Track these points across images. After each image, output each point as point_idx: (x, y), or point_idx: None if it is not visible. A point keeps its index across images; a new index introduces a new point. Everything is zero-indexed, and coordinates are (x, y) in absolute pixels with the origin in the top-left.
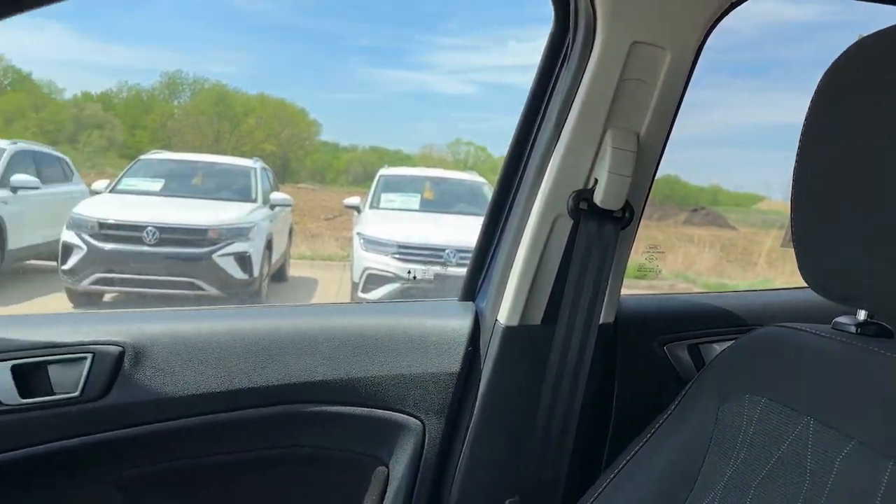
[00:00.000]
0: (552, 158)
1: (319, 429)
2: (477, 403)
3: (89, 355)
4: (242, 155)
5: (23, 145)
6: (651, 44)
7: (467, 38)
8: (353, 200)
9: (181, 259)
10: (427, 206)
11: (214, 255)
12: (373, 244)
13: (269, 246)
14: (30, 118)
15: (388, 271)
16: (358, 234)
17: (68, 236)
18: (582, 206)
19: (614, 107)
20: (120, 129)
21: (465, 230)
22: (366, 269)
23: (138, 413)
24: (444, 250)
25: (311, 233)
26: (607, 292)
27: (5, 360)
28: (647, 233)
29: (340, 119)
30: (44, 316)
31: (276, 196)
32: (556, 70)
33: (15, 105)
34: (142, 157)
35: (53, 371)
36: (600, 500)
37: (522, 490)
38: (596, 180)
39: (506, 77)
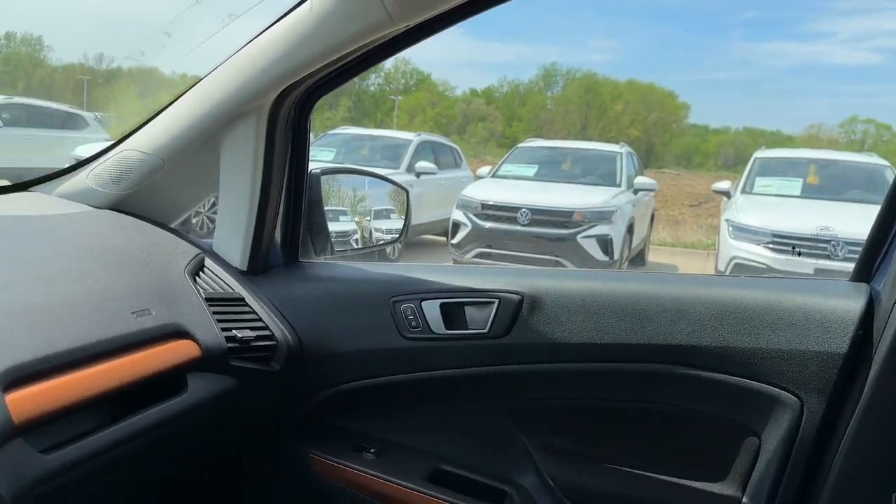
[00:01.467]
0: None
1: (688, 391)
2: (866, 389)
3: (496, 300)
4: (608, 140)
5: (425, 137)
6: None
7: None
8: (723, 185)
9: (548, 239)
10: (810, 192)
11: (578, 237)
12: (743, 232)
13: (630, 230)
14: (427, 113)
15: (758, 262)
16: (726, 220)
17: (457, 215)
18: None
19: None
20: (499, 121)
21: (856, 220)
22: (733, 258)
23: (531, 353)
24: (829, 242)
25: (673, 219)
26: None
27: (436, 298)
28: None
29: (712, 100)
30: (463, 267)
31: (640, 181)
32: None
33: (416, 102)
34: (518, 145)
35: (468, 311)
36: None
37: None
38: None
39: None
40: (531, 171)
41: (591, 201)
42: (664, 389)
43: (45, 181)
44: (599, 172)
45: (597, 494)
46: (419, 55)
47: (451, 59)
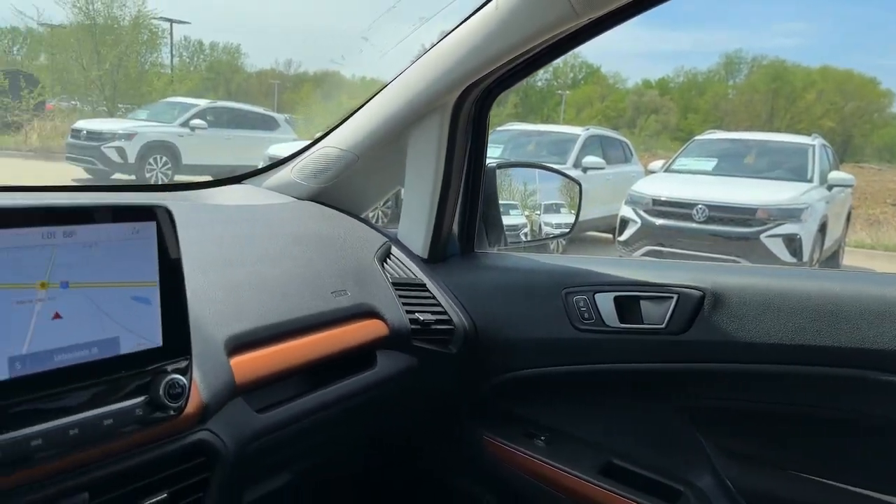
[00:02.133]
0: None
1: (891, 401)
2: None
3: (675, 295)
4: (798, 132)
5: (593, 131)
6: None
7: None
8: None
9: (727, 237)
10: None
11: (762, 236)
12: None
13: (822, 230)
14: (595, 107)
15: None
16: None
17: (625, 211)
18: None
19: None
20: (673, 113)
21: None
22: None
23: (712, 351)
24: None
25: (873, 218)
26: None
27: (610, 291)
28: None
29: None
30: (639, 260)
31: (835, 176)
32: None
33: (585, 96)
34: (696, 137)
35: (644, 305)
36: None
37: None
38: None
39: None
40: (709, 164)
41: (777, 198)
42: (860, 397)
43: (255, 175)
44: (788, 166)
45: (779, 502)
46: (589, 48)
47: (622, 50)
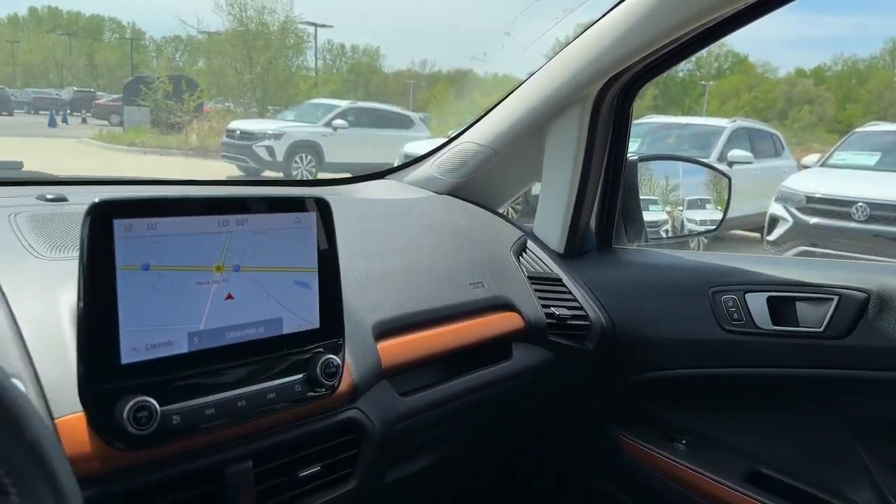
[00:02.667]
0: None
1: None
2: None
3: (835, 297)
4: None
5: (740, 123)
6: None
7: None
8: None
9: (893, 238)
10: None
11: None
12: None
13: None
14: (742, 98)
15: None
16: None
17: (775, 209)
18: None
19: None
20: (830, 104)
21: None
22: None
23: (876, 358)
24: None
25: None
26: None
27: (763, 291)
28: None
29: None
30: (794, 259)
31: None
32: None
33: (731, 87)
34: (857, 129)
35: (800, 307)
36: None
37: None
38: None
39: None
40: (872, 159)
41: None
42: None
43: (397, 171)
44: None
45: None
46: (735, 35)
47: (773, 37)
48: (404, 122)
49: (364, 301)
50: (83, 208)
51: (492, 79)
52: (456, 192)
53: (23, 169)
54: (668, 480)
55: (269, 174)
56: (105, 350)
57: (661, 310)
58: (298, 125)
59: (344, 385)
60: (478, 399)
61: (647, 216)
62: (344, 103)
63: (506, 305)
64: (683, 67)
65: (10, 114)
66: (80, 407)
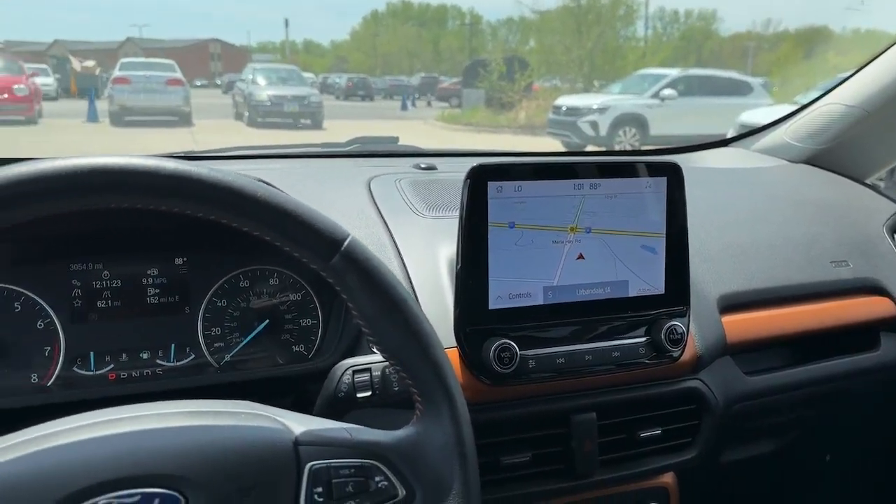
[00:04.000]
0: None
1: None
2: None
3: None
4: None
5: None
6: None
7: None
8: None
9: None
10: None
11: None
12: None
13: None
14: None
15: None
16: None
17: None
18: None
19: None
20: None
21: None
22: None
23: None
24: None
25: None
26: None
27: None
28: None
29: None
30: None
31: None
32: None
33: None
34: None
35: None
36: None
37: None
38: None
39: None
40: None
41: None
42: None
43: (743, 138)
44: None
45: None
46: None
47: None
48: (741, 89)
49: (709, 272)
50: (451, 175)
51: (851, 35)
52: (814, 160)
53: (398, 143)
54: None
55: (591, 149)
56: (477, 296)
57: None
58: (624, 98)
59: (688, 354)
60: (834, 389)
61: None
62: (674, 72)
63: (875, 289)
64: None
65: (372, 99)
66: (453, 343)
